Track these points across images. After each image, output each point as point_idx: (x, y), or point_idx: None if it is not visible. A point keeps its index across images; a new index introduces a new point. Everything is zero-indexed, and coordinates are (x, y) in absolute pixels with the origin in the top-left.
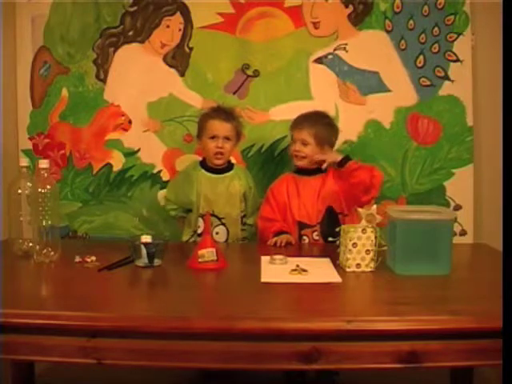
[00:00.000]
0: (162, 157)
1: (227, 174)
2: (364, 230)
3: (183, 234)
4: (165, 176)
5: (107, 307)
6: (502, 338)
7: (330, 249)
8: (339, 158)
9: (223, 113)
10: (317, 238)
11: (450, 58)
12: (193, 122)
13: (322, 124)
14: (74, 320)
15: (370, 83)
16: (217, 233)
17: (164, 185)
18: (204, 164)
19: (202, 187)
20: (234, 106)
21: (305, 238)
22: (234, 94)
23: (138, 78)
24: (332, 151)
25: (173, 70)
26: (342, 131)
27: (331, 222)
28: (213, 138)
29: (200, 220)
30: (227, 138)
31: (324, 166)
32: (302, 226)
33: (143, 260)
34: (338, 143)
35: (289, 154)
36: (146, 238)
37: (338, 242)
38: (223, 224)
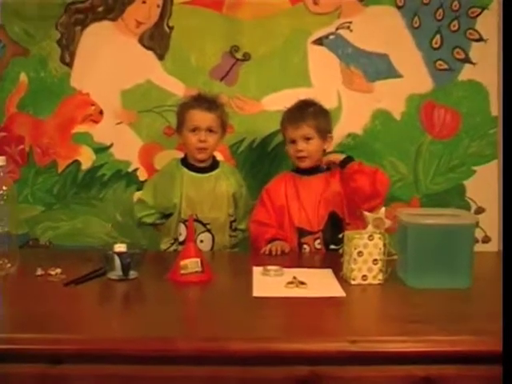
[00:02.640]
0: (138, 153)
1: (212, 173)
2: (371, 237)
3: (162, 242)
4: (142, 175)
5: (74, 328)
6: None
7: (332, 258)
8: (341, 157)
9: (205, 101)
10: (319, 246)
11: (471, 36)
12: (174, 113)
13: (318, 112)
14: (35, 343)
15: (377, 67)
16: (201, 241)
17: (141, 185)
18: (186, 162)
19: (184, 188)
20: (217, 94)
21: (305, 246)
22: (222, 80)
23: (109, 61)
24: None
25: (150, 53)
26: (344, 123)
27: (335, 229)
28: (194, 130)
29: (182, 226)
30: (210, 130)
31: (323, 165)
32: (302, 232)
33: (117, 272)
34: (341, 137)
35: (288, 155)
36: (120, 247)
37: (341, 251)
38: (209, 230)
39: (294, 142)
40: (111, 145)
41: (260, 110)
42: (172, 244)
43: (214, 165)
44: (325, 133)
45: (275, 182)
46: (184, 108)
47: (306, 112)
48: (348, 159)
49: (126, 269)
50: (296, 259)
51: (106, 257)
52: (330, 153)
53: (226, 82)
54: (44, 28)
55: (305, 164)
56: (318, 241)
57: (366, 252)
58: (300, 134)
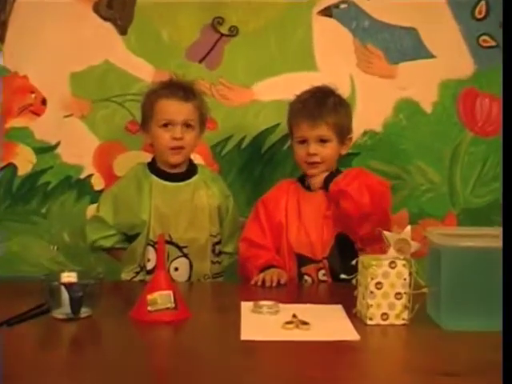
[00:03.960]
0: (92, 155)
1: (189, 181)
2: (393, 264)
3: (124, 271)
4: (97, 184)
5: (8, 383)
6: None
7: (342, 291)
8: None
9: (180, 88)
10: (324, 278)
11: None
12: (139, 104)
13: (338, 105)
14: None
15: (402, 45)
16: (176, 268)
17: (97, 197)
18: (155, 167)
19: (153, 201)
20: (195, 79)
21: (307, 278)
22: (201, 61)
23: (55, 36)
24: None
25: (109, 25)
26: (359, 117)
27: (345, 255)
28: (166, 125)
29: (151, 250)
30: (187, 125)
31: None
32: (302, 260)
33: (64, 309)
34: (356, 136)
35: (295, 157)
36: (69, 277)
37: (354, 282)
38: (185, 255)
39: (304, 142)
40: (57, 144)
41: (251, 100)
42: (137, 273)
43: (191, 170)
44: (345, 133)
45: (275, 191)
46: (153, 97)
47: (325, 105)
48: (332, 175)
49: (76, 305)
50: (295, 292)
51: (50, 289)
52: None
53: (206, 63)
54: None
55: (316, 171)
56: (323, 271)
57: (386, 283)
58: (316, 134)
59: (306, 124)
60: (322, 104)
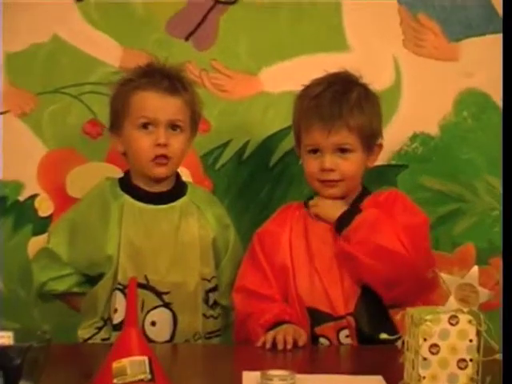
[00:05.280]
0: (37, 167)
1: (175, 204)
2: (454, 319)
3: (81, 326)
4: (44, 207)
5: None
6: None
7: (378, 357)
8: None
9: (163, 77)
10: (347, 340)
11: None
12: (102, 97)
13: (364, 100)
14: None
15: (467, 16)
16: (153, 323)
17: (42, 225)
18: (128, 183)
19: (125, 230)
20: (182, 63)
21: (323, 341)
22: (188, 38)
23: None
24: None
25: None
26: (406, 115)
27: (377, 307)
28: (145, 126)
29: (119, 296)
30: (175, 127)
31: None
32: (316, 317)
33: None
34: (399, 140)
35: (304, 173)
36: (3, 338)
37: (398, 344)
38: (167, 305)
39: (317, 151)
40: None
41: (256, 93)
42: (99, 329)
43: (178, 189)
44: (373, 139)
45: (274, 221)
46: (127, 88)
47: (346, 100)
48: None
49: (11, 377)
50: (312, 358)
51: None
52: None
53: (195, 41)
54: None
55: (333, 192)
56: (346, 331)
57: (445, 346)
58: (333, 141)
59: (320, 128)
60: (342, 99)
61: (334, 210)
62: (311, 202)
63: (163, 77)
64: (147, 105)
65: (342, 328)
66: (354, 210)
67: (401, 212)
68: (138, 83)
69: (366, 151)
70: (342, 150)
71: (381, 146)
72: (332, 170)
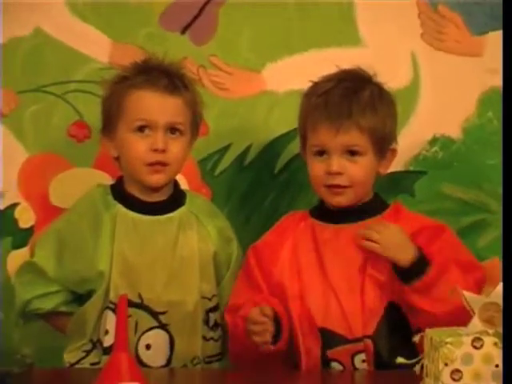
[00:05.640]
0: (18, 174)
1: (173, 215)
2: (478, 342)
3: (68, 349)
4: (25, 218)
5: None
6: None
7: (397, 383)
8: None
9: (161, 75)
10: (363, 365)
11: None
12: (89, 96)
13: (377, 98)
14: None
15: (492, 7)
16: (148, 346)
17: (23, 237)
18: (121, 192)
19: (118, 244)
20: (179, 59)
21: (335, 365)
22: (184, 31)
23: None
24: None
25: None
26: (425, 116)
27: (398, 330)
28: (142, 129)
29: (110, 316)
30: (174, 130)
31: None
32: (329, 339)
33: None
34: (417, 143)
35: (310, 179)
36: None
37: (416, 369)
38: (163, 326)
39: (323, 153)
40: None
41: (259, 91)
42: (88, 352)
43: (176, 199)
44: (386, 142)
45: (273, 232)
46: (122, 87)
47: (357, 99)
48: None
49: None
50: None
51: None
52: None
53: (192, 34)
54: None
55: (340, 200)
56: (362, 356)
57: (468, 372)
58: (341, 142)
59: (327, 126)
60: (353, 97)
61: (404, 251)
62: (361, 231)
63: (162, 74)
64: (144, 105)
65: (358, 352)
66: (422, 256)
67: (464, 265)
68: (133, 81)
69: (378, 156)
70: (351, 153)
71: (394, 151)
72: (339, 174)
